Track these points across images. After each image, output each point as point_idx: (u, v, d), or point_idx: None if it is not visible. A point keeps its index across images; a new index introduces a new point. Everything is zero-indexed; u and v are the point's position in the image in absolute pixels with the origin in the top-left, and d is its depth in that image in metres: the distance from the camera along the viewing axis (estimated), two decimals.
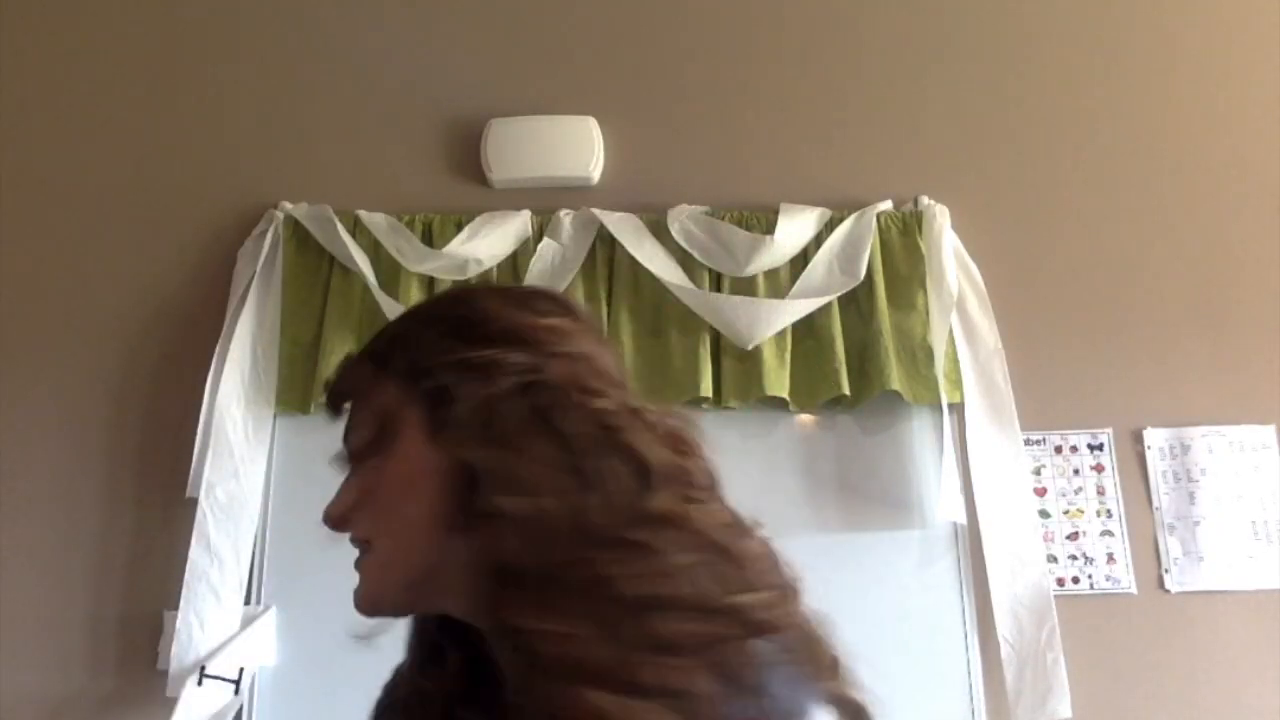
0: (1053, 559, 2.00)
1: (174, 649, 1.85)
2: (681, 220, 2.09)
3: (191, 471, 1.98)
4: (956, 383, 2.04)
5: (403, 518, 0.73)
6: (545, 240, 2.09)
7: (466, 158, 2.20)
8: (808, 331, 2.04)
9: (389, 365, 0.76)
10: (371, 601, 0.75)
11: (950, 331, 2.05)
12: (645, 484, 0.68)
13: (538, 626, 0.63)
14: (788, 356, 2.02)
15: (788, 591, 0.72)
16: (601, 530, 0.65)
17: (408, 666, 0.81)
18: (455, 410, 0.71)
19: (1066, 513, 2.04)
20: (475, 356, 0.72)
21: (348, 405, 0.79)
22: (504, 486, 0.67)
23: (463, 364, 0.72)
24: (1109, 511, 2.03)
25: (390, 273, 2.06)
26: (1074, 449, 2.06)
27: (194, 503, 1.94)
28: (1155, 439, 2.06)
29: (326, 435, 1.93)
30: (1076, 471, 2.05)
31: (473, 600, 0.69)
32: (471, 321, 0.75)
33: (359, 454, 0.76)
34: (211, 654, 1.85)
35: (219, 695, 1.83)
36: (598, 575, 0.63)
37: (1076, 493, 2.04)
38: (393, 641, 0.83)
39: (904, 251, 2.10)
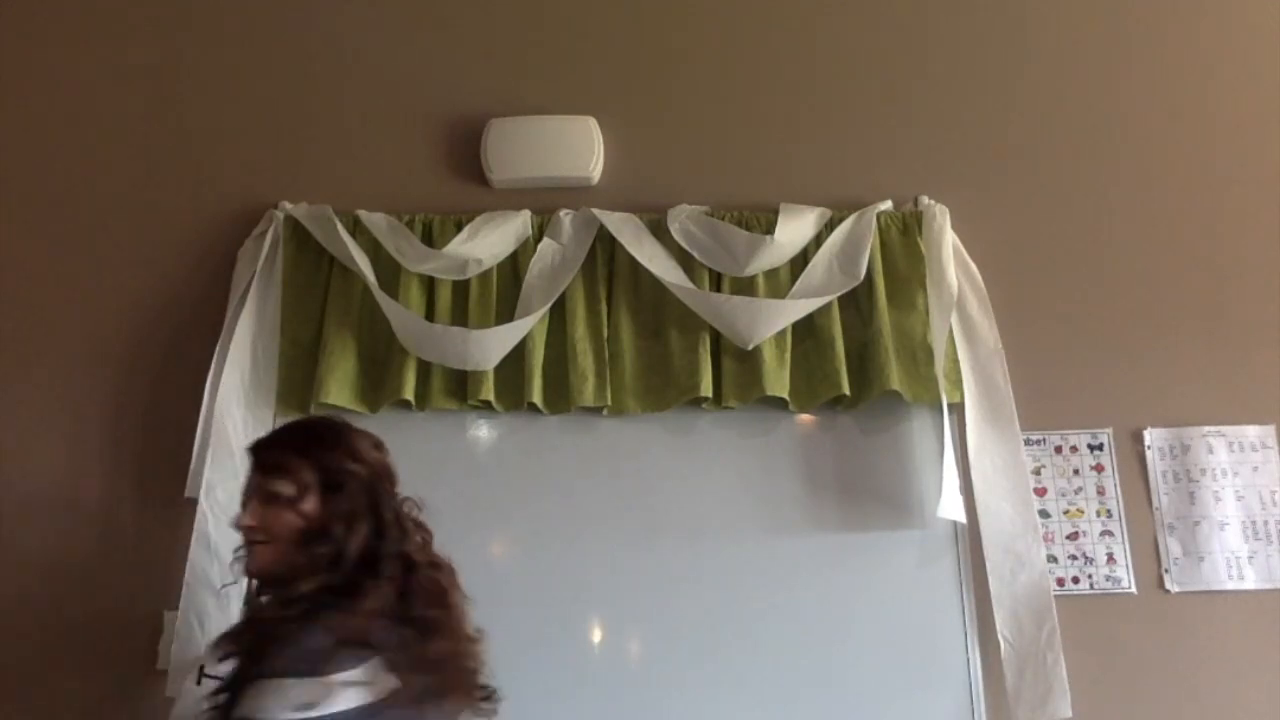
0: (1053, 559, 2.00)
1: (174, 649, 1.86)
2: (681, 220, 2.09)
3: (191, 471, 1.98)
4: (956, 383, 2.04)
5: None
6: (545, 240, 2.09)
7: (466, 158, 2.20)
8: (808, 331, 2.04)
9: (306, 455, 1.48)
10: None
11: (950, 331, 2.05)
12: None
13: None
14: (788, 356, 2.02)
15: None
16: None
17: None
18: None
19: (1066, 513, 2.04)
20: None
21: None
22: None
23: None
24: (1109, 511, 2.03)
25: (390, 273, 2.06)
26: (1074, 449, 2.06)
27: (194, 503, 1.94)
28: (1155, 439, 2.06)
29: None
30: (1076, 471, 2.05)
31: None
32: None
33: (274, 496, 1.45)
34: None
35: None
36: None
37: (1076, 493, 2.05)
38: None
39: (904, 251, 2.11)
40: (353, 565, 1.40)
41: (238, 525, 1.48)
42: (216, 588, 1.89)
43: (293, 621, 1.33)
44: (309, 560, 1.39)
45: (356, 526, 1.43)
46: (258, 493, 1.47)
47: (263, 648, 1.33)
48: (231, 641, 1.39)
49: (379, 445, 1.55)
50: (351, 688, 1.30)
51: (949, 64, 2.27)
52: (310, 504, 1.44)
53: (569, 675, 1.93)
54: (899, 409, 2.04)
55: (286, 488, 1.44)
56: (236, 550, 1.53)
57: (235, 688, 1.35)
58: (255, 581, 1.52)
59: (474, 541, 2.02)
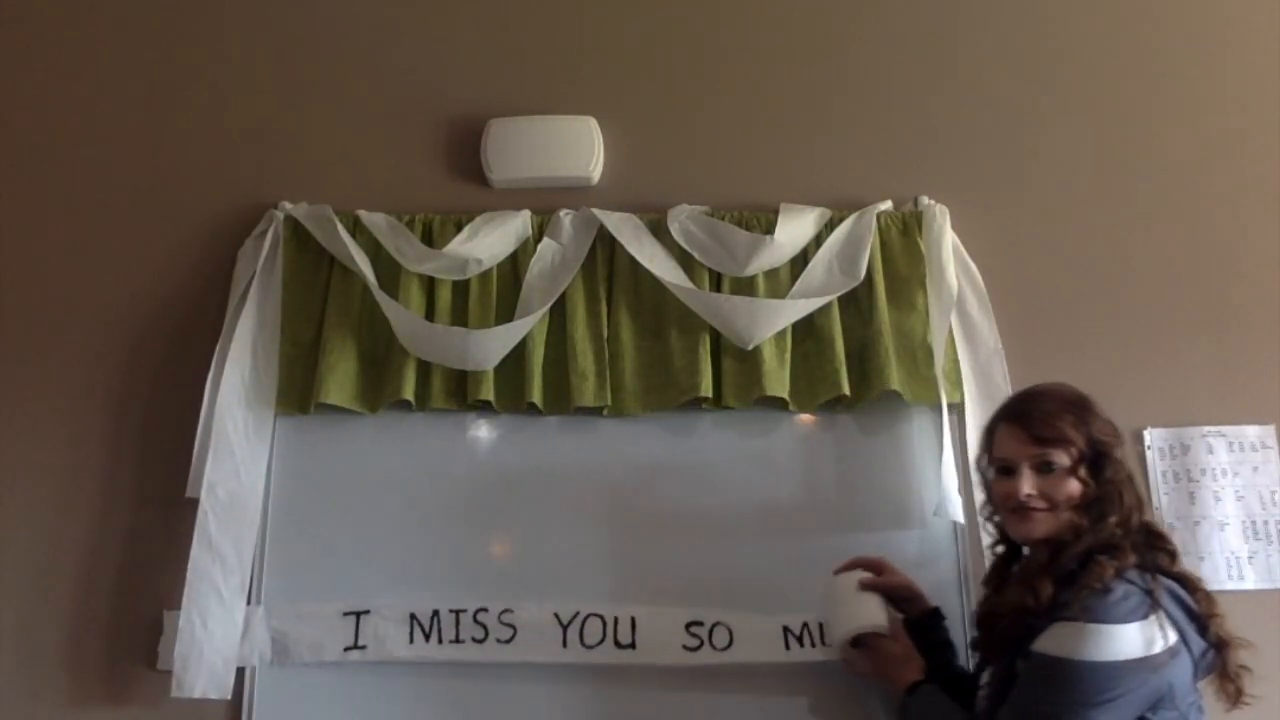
0: None
1: (176, 649, 1.85)
2: (681, 220, 2.09)
3: (192, 471, 1.98)
4: (956, 383, 2.04)
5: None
6: (545, 240, 2.09)
7: (466, 158, 2.20)
8: (808, 331, 2.04)
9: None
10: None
11: (950, 331, 2.05)
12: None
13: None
14: (788, 356, 2.02)
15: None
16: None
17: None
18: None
19: None
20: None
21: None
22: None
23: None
24: None
25: (390, 273, 2.06)
26: None
27: (194, 503, 1.94)
28: (1155, 439, 2.06)
29: (326, 435, 1.99)
30: None
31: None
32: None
33: (1049, 465, 1.54)
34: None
35: None
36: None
37: None
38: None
39: (904, 251, 2.10)
40: (1133, 531, 1.52)
41: (1004, 497, 1.57)
42: (219, 587, 1.90)
43: (1098, 571, 1.45)
44: (1095, 525, 1.50)
45: (1130, 496, 1.53)
46: (1029, 462, 1.55)
47: (1064, 595, 1.45)
48: (1025, 592, 1.50)
49: None
50: (1161, 632, 1.43)
51: (949, 64, 2.27)
52: (1084, 472, 1.52)
53: (569, 674, 1.92)
54: (899, 409, 2.04)
55: (1063, 458, 1.53)
56: (985, 513, 1.68)
57: (1017, 634, 1.48)
58: (1001, 547, 1.68)
59: (473, 541, 2.02)
